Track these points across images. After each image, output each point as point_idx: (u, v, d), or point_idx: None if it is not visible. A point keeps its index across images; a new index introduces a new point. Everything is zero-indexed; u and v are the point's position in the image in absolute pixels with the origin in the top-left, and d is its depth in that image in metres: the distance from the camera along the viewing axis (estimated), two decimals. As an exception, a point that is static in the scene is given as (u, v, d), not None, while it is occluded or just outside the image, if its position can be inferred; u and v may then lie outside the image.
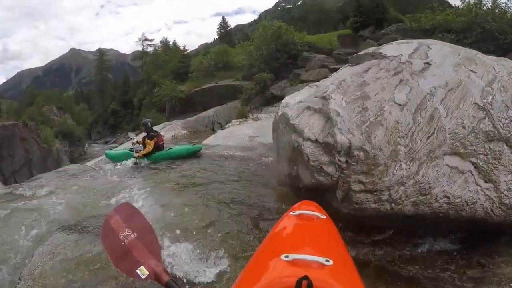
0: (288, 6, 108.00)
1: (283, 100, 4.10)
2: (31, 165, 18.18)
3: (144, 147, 8.53)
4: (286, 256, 1.06)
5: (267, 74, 19.42)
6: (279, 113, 3.85)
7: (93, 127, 49.54)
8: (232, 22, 50.47)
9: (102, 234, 2.02)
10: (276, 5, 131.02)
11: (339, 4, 47.53)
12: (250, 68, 21.14)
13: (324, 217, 1.49)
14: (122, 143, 32.88)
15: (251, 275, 1.19)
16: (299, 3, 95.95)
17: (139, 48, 52.46)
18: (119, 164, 8.31)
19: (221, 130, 14.97)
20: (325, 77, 5.25)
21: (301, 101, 3.67)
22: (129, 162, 8.31)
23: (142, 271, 1.64)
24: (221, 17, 45.42)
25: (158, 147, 9.01)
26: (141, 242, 1.81)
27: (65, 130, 30.02)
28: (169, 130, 18.17)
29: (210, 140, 11.29)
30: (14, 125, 17.39)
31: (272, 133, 4.35)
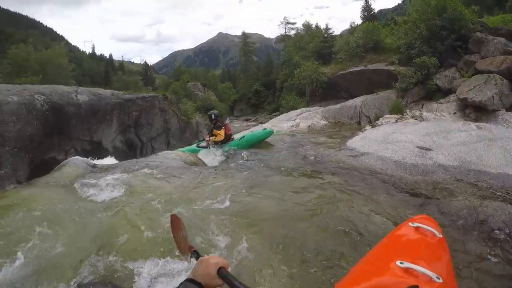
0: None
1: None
2: (169, 134, 19.26)
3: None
4: (401, 263, 1.10)
5: (430, 58, 14.95)
6: None
7: (236, 105, 53.00)
8: (375, 7, 45.16)
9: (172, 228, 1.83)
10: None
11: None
12: (408, 49, 16.74)
13: (440, 236, 1.49)
14: (261, 123, 33.17)
15: (363, 274, 1.23)
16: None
17: (282, 32, 52.51)
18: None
19: (371, 127, 12.12)
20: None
21: None
22: (204, 150, 9.71)
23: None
24: (363, 1, 40.31)
25: (227, 137, 9.65)
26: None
27: (207, 105, 30.77)
28: (306, 119, 15.68)
29: (357, 143, 8.98)
30: (154, 97, 18.31)
31: None
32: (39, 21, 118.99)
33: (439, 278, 1.06)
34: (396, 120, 12.12)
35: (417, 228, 1.49)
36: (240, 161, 8.14)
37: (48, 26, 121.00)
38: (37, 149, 10.03)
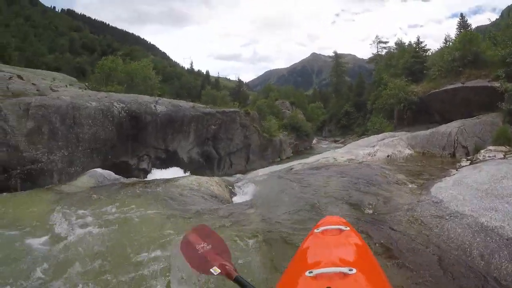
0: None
1: None
2: (249, 150, 19.30)
3: None
4: (310, 272, 1.08)
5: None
6: None
7: (325, 125, 51.59)
8: (472, 23, 40.29)
9: (181, 246, 1.91)
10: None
11: None
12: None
13: (348, 228, 1.48)
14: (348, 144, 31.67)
15: None
16: None
17: (374, 52, 50.30)
18: None
19: (469, 163, 9.20)
20: None
21: None
22: None
23: (215, 270, 1.61)
24: (458, 17, 36.32)
25: None
26: (214, 251, 1.81)
27: (294, 124, 30.41)
28: (387, 146, 13.03)
29: (447, 192, 5.72)
30: (235, 113, 18.47)
31: None
32: (143, 38, 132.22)
33: (351, 270, 1.06)
34: (504, 155, 9.04)
35: (322, 231, 1.48)
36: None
37: (151, 43, 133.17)
38: (110, 152, 10.65)
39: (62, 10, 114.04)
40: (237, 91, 63.96)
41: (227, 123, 17.14)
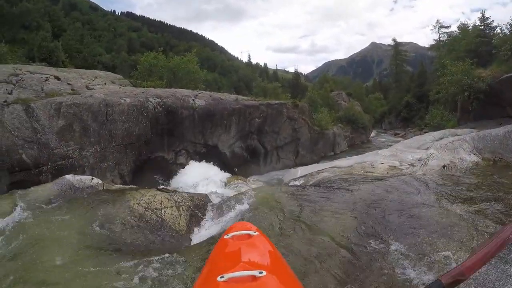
0: None
1: None
2: (298, 144, 18.28)
3: None
4: (222, 277, 1.08)
5: None
6: None
7: (385, 117, 49.13)
8: None
9: None
10: None
11: None
12: None
13: (257, 233, 1.51)
14: (409, 138, 29.59)
15: None
16: None
17: (435, 38, 45.74)
18: None
19: None
20: None
21: None
22: None
23: None
24: None
25: None
26: None
27: (349, 116, 28.97)
28: (445, 149, 9.19)
29: None
30: (281, 105, 17.54)
31: None
32: (201, 35, 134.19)
33: (262, 272, 1.06)
34: None
35: (232, 237, 1.48)
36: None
37: (209, 39, 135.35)
38: (144, 147, 10.65)
39: (122, 13, 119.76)
40: (295, 82, 63.37)
41: (272, 115, 16.41)
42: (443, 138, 12.40)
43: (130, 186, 8.43)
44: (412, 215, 4.70)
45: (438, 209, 4.86)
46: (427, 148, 10.62)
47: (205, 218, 6.13)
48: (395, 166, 8.89)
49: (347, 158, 12.71)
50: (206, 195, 7.15)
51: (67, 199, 6.02)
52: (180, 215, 5.84)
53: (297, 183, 9.26)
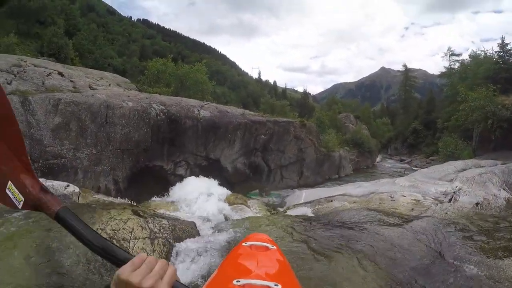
0: None
1: None
2: (303, 165, 17.73)
3: None
4: (238, 281, 1.03)
5: None
6: None
7: (391, 142, 48.72)
8: None
9: None
10: None
11: None
12: None
13: (274, 247, 1.43)
14: (415, 166, 28.87)
15: None
16: None
17: (446, 65, 45.90)
18: None
19: None
20: None
21: None
22: None
23: (14, 192, 0.93)
24: None
25: None
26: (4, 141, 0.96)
27: (356, 139, 28.50)
28: (472, 183, 8.82)
29: None
30: (288, 123, 17.07)
31: None
32: (214, 48, 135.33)
33: (277, 285, 1.01)
34: None
35: (250, 246, 1.40)
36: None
37: (221, 52, 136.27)
38: (142, 154, 10.22)
39: (138, 19, 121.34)
40: (303, 102, 63.41)
41: (279, 133, 15.93)
42: (466, 169, 11.46)
43: (112, 199, 7.71)
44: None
45: (495, 270, 3.79)
46: (451, 180, 9.80)
47: (181, 257, 4.74)
48: (418, 201, 7.80)
49: (358, 184, 11.82)
50: (193, 223, 5.92)
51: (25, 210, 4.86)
52: (153, 251, 4.57)
53: (302, 210, 8.35)
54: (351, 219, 6.11)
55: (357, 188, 10.14)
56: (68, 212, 0.88)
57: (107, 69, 19.27)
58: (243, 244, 1.46)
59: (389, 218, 6.11)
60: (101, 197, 7.26)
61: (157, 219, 5.37)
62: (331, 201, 8.63)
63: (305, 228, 5.37)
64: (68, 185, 6.47)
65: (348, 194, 9.10)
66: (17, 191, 0.92)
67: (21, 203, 0.93)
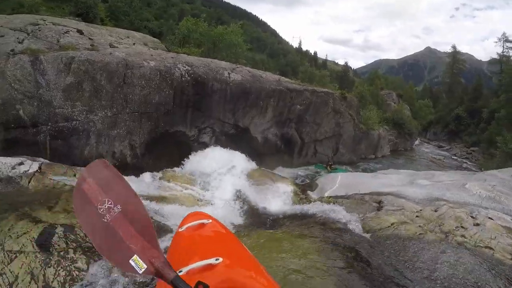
0: None
1: None
2: (339, 141, 16.77)
3: None
4: (180, 271, 1.11)
5: None
6: None
7: (431, 126, 46.31)
8: None
9: (75, 207, 1.32)
10: None
11: None
12: None
13: (210, 221, 1.54)
14: (454, 155, 26.89)
15: None
16: None
17: (498, 52, 42.66)
18: None
19: None
20: None
21: None
22: None
23: (138, 262, 1.17)
24: None
25: None
26: (128, 220, 1.24)
27: (397, 119, 26.88)
28: None
29: None
30: (327, 94, 15.78)
31: None
32: (254, 15, 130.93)
33: (218, 259, 1.10)
34: None
35: (186, 229, 1.48)
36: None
37: (262, 20, 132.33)
38: (163, 118, 9.44)
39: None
40: (343, 75, 61.04)
41: (316, 104, 14.74)
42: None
43: (69, 183, 5.97)
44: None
45: None
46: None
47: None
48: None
49: (406, 174, 10.06)
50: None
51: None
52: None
53: (341, 213, 6.42)
54: (430, 268, 4.16)
55: (413, 187, 7.91)
56: (180, 281, 1.08)
57: (143, 31, 18.45)
58: (180, 230, 1.55)
59: (474, 257, 4.19)
60: (61, 178, 5.98)
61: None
62: (381, 206, 6.55)
63: (350, 246, 4.21)
64: (21, 163, 5.63)
65: (402, 195, 7.02)
66: (141, 262, 1.16)
67: (143, 270, 1.15)
